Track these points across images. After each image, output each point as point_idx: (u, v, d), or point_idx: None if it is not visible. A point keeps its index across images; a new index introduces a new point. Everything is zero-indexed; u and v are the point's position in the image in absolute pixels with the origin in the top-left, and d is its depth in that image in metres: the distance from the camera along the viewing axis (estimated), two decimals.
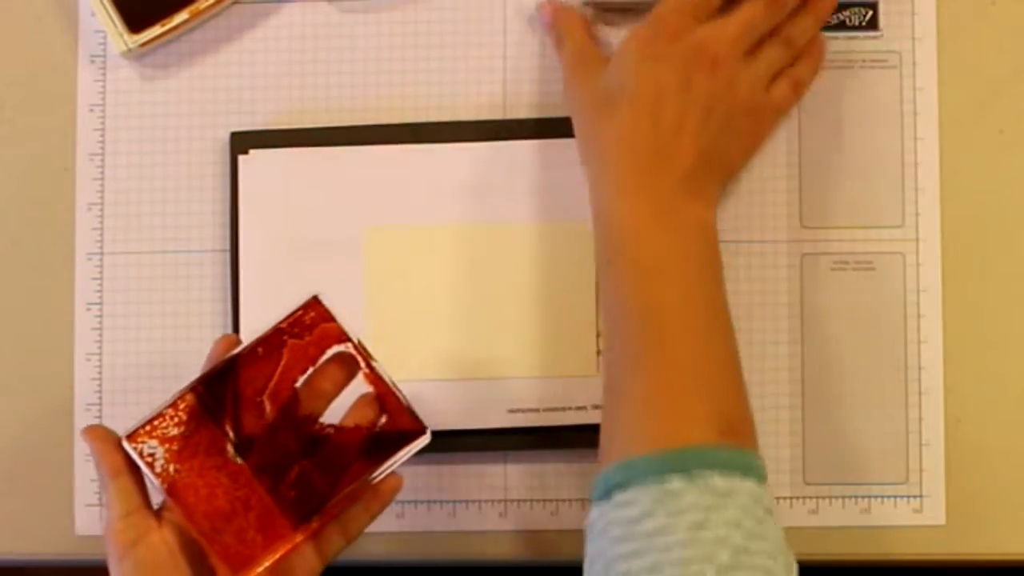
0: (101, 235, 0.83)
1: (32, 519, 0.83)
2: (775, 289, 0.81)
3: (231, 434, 0.72)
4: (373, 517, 0.74)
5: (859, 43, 0.83)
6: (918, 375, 0.81)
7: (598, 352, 0.80)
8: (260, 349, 0.72)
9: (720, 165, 0.75)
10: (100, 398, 0.83)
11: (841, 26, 0.83)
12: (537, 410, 0.80)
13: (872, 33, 0.83)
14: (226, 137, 0.83)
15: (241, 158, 0.82)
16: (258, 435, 0.72)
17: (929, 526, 0.81)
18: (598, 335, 0.80)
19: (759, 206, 0.82)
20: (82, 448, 0.83)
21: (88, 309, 0.83)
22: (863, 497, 0.81)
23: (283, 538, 0.71)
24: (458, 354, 0.80)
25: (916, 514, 0.81)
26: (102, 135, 0.84)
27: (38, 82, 0.84)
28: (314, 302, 0.73)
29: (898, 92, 0.82)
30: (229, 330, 0.82)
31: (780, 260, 0.82)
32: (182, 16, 0.82)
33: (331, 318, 0.73)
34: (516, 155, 0.81)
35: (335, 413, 0.74)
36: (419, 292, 0.81)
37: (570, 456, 0.81)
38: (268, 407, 0.72)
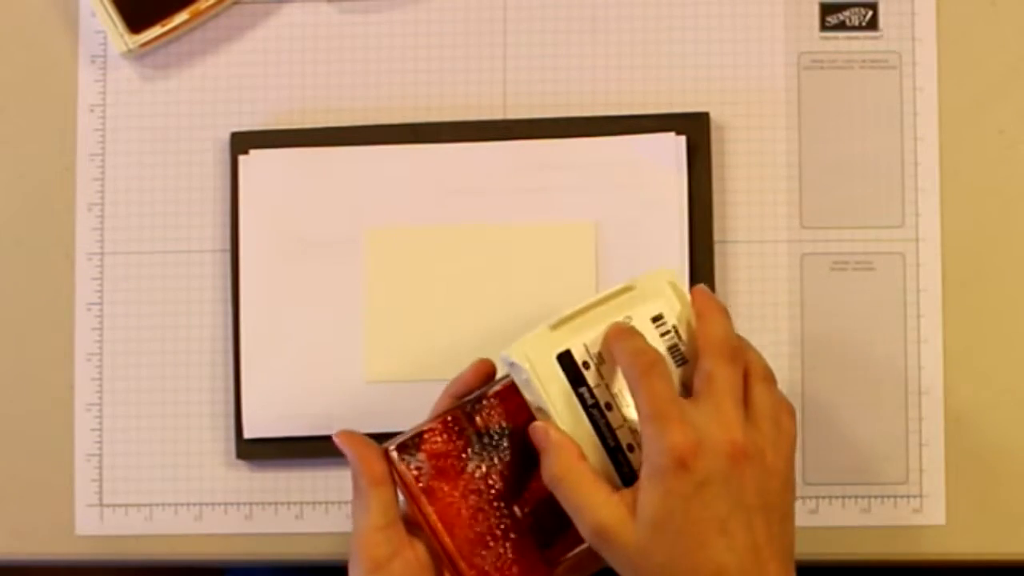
0: (101, 235, 0.83)
1: (32, 519, 0.83)
2: (775, 289, 0.81)
3: (492, 459, 0.69)
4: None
5: (859, 43, 0.83)
6: (918, 375, 0.81)
7: None
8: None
9: (791, 533, 0.68)
10: (100, 398, 0.83)
11: (841, 26, 0.83)
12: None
13: (872, 33, 0.83)
14: (226, 137, 0.83)
15: (241, 158, 0.82)
16: (512, 460, 0.69)
17: (929, 526, 0.81)
18: None
19: (759, 206, 0.82)
20: (82, 448, 0.83)
21: (88, 309, 0.83)
22: (863, 497, 0.81)
23: (536, 569, 0.69)
24: (458, 354, 0.80)
25: (916, 514, 0.81)
26: (102, 135, 0.84)
27: (38, 82, 0.84)
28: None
29: (898, 92, 0.82)
30: (229, 330, 0.82)
31: (780, 260, 0.82)
32: (182, 16, 0.82)
33: None
34: (516, 155, 0.82)
35: None
36: (419, 292, 0.81)
37: None
38: (526, 432, 0.69)
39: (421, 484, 0.68)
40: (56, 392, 0.83)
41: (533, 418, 0.68)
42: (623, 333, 0.67)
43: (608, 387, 0.67)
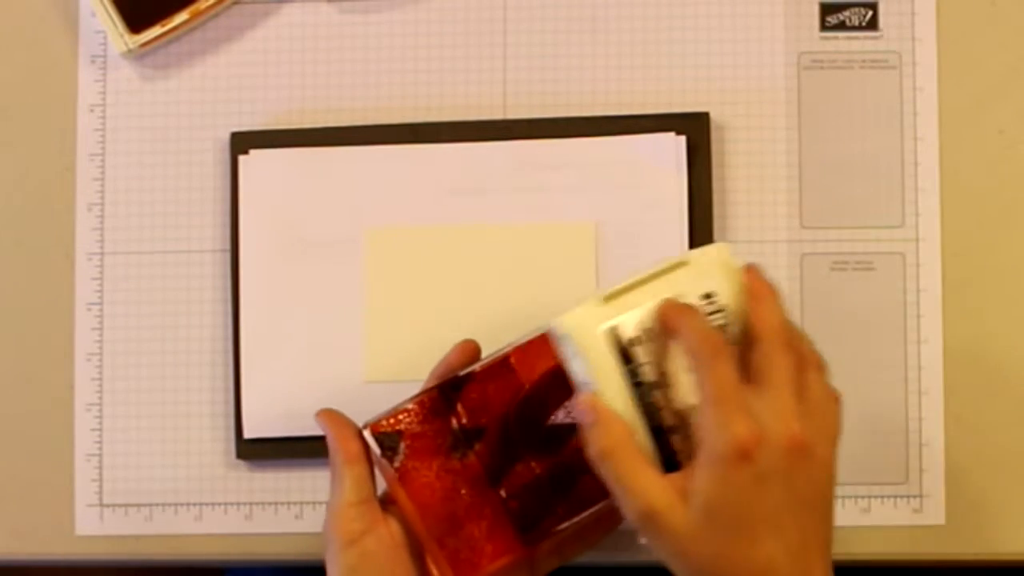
0: (101, 235, 0.84)
1: (32, 519, 0.83)
2: None
3: (470, 441, 0.70)
4: (591, 545, 0.72)
5: (859, 43, 0.83)
6: (918, 375, 0.81)
7: None
8: (512, 359, 0.70)
9: (832, 529, 0.67)
10: (100, 398, 0.83)
11: (841, 26, 0.83)
12: None
13: (872, 33, 0.83)
14: (226, 137, 0.83)
15: (241, 158, 0.82)
16: (492, 443, 0.70)
17: (929, 526, 0.81)
18: None
19: (759, 206, 0.82)
20: (82, 448, 0.83)
21: (88, 309, 0.83)
22: (863, 497, 0.81)
23: (511, 550, 0.69)
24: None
25: (916, 514, 0.81)
26: (102, 135, 0.84)
27: (38, 82, 0.84)
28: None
29: (898, 92, 0.82)
30: (229, 330, 0.82)
31: (780, 260, 0.82)
32: (182, 16, 0.82)
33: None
34: (516, 155, 0.82)
35: None
36: (419, 292, 0.81)
37: None
38: (509, 418, 0.70)
39: (395, 464, 0.69)
40: (56, 392, 0.83)
41: (517, 398, 0.67)
42: (687, 312, 0.65)
43: (657, 365, 0.65)
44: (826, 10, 0.83)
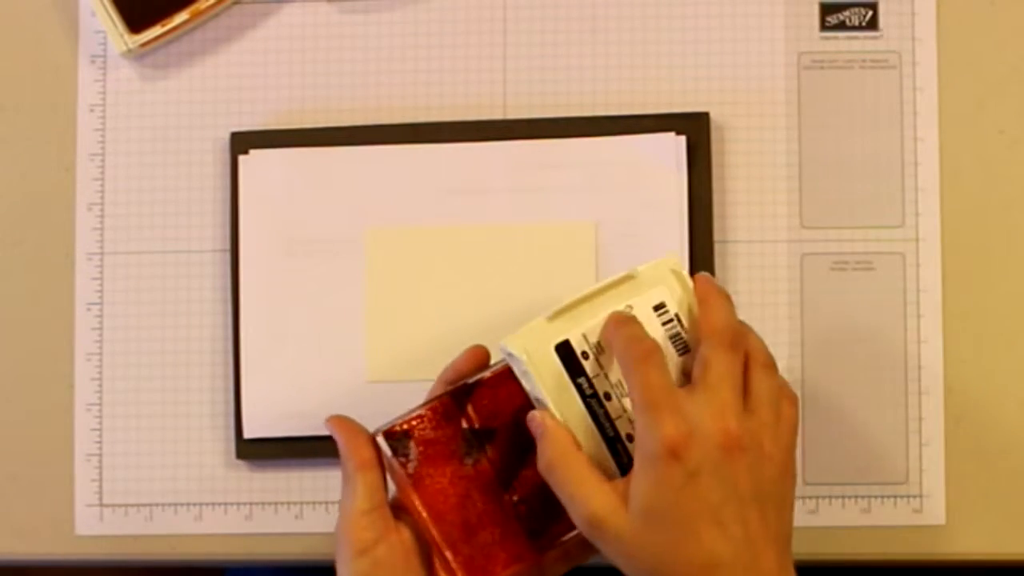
0: (101, 235, 0.84)
1: (32, 519, 0.83)
2: (775, 289, 0.81)
3: (482, 447, 0.70)
4: (597, 550, 0.72)
5: (859, 43, 0.83)
6: (918, 375, 0.81)
7: None
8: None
9: (789, 522, 0.68)
10: (100, 398, 0.83)
11: (841, 26, 0.83)
12: None
13: (872, 33, 0.83)
14: (226, 137, 0.83)
15: (241, 158, 0.82)
16: (504, 448, 0.70)
17: (929, 526, 0.81)
18: None
19: (759, 206, 0.82)
20: (82, 448, 0.83)
21: (88, 309, 0.83)
22: (863, 497, 0.81)
23: (523, 556, 0.69)
24: (458, 353, 0.80)
25: (916, 514, 0.81)
26: (102, 135, 0.84)
27: (38, 82, 0.84)
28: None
29: (898, 92, 0.82)
30: (229, 330, 0.82)
31: (780, 260, 0.82)
32: (182, 16, 0.82)
33: None
34: (516, 155, 0.82)
35: None
36: (419, 292, 0.81)
37: None
38: (517, 420, 0.69)
39: (408, 470, 0.69)
40: (56, 392, 0.83)
41: (527, 404, 0.68)
42: (620, 322, 0.67)
43: (607, 376, 0.67)
44: (826, 10, 0.83)
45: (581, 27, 0.83)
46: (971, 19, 0.82)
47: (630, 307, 0.67)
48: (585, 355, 0.67)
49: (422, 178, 0.82)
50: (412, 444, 0.69)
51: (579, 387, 0.66)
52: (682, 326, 0.68)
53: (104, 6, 0.82)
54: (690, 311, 0.68)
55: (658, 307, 0.68)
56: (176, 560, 0.83)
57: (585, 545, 0.70)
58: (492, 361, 0.73)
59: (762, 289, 0.81)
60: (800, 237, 0.82)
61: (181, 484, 0.82)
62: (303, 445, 0.81)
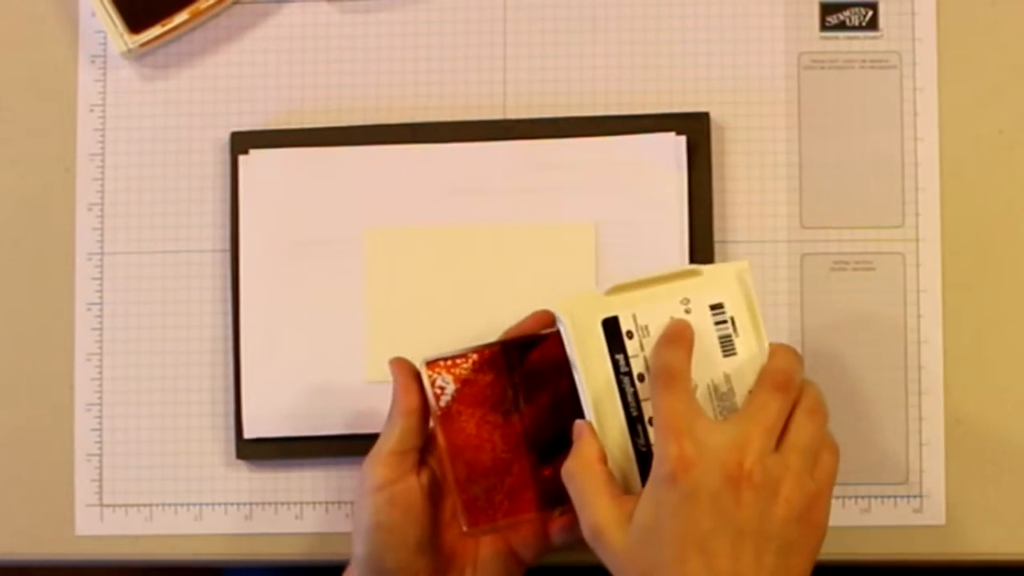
0: (101, 235, 0.84)
1: (32, 519, 0.83)
2: (775, 289, 0.81)
3: (518, 401, 0.72)
4: None
5: (859, 43, 0.83)
6: (918, 375, 0.81)
7: None
8: None
9: (795, 569, 0.67)
10: (100, 398, 0.83)
11: (841, 26, 0.83)
12: None
13: (872, 33, 0.83)
14: (226, 137, 0.83)
15: (241, 158, 0.82)
16: (541, 411, 0.73)
17: (929, 526, 0.81)
18: None
19: (759, 206, 0.82)
20: (82, 448, 0.83)
21: (88, 309, 0.83)
22: (863, 497, 0.81)
23: (525, 511, 0.72)
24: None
25: (916, 514, 0.81)
26: (102, 135, 0.84)
27: (38, 82, 0.84)
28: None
29: (898, 92, 0.82)
30: (229, 330, 0.82)
31: (780, 260, 0.82)
32: (182, 16, 0.82)
33: None
34: (516, 155, 0.82)
35: None
36: (419, 292, 0.81)
37: None
38: (562, 388, 0.72)
39: (440, 403, 0.72)
40: (56, 392, 0.83)
41: (565, 369, 0.70)
42: (672, 339, 0.68)
43: (646, 359, 0.69)
44: (826, 10, 0.83)
45: (581, 27, 0.83)
46: (971, 19, 0.82)
47: (687, 300, 0.69)
48: (630, 334, 0.69)
49: (422, 178, 0.82)
50: (451, 380, 0.72)
51: (615, 363, 0.69)
52: (735, 331, 0.70)
53: (104, 6, 0.82)
54: (747, 319, 0.70)
55: (715, 307, 0.70)
56: (176, 560, 0.83)
57: None
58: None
59: (762, 289, 0.81)
60: (800, 237, 0.82)
61: (181, 484, 0.82)
62: (303, 445, 0.81)
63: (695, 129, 0.81)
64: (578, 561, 0.77)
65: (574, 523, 0.73)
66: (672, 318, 0.69)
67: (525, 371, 0.73)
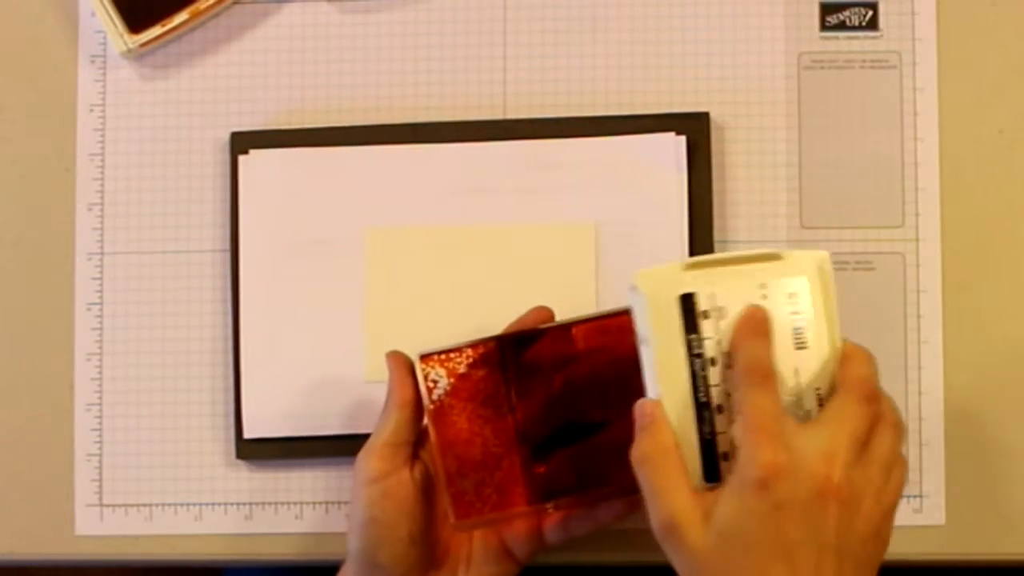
0: (101, 235, 0.84)
1: (32, 519, 0.83)
2: None
3: (511, 396, 0.72)
4: (601, 526, 0.74)
5: (859, 43, 0.83)
6: (918, 375, 0.81)
7: None
8: (574, 331, 0.73)
9: None
10: (100, 398, 0.83)
11: (841, 26, 0.83)
12: None
13: (872, 33, 0.83)
14: (226, 137, 0.83)
15: (241, 158, 0.82)
16: (535, 406, 0.72)
17: (929, 526, 0.81)
18: None
19: (759, 206, 0.82)
20: (82, 448, 0.83)
21: (88, 309, 0.83)
22: None
23: (513, 506, 0.72)
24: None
25: (916, 514, 0.81)
26: (102, 135, 0.84)
27: (38, 82, 0.84)
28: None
29: (898, 92, 0.82)
30: (229, 330, 0.82)
31: None
32: (182, 16, 0.82)
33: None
34: (516, 155, 0.82)
35: None
36: (419, 292, 0.81)
37: None
38: (557, 384, 0.72)
39: (432, 396, 0.72)
40: (56, 392, 0.83)
41: (572, 371, 0.69)
42: (753, 331, 0.66)
43: (720, 343, 0.66)
44: (826, 10, 0.83)
45: (581, 27, 0.83)
46: (971, 19, 0.82)
47: (764, 286, 0.67)
48: (706, 314, 0.66)
49: (422, 178, 0.82)
50: (445, 374, 0.72)
51: (689, 343, 0.66)
52: (809, 322, 0.67)
53: (104, 6, 0.82)
54: (822, 311, 0.67)
55: (791, 295, 0.67)
56: (176, 560, 0.83)
57: (585, 521, 0.71)
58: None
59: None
60: (800, 237, 0.82)
61: (181, 484, 0.82)
62: (303, 445, 0.81)
63: (695, 129, 0.81)
64: (576, 561, 0.77)
65: (568, 521, 0.73)
66: (750, 304, 0.66)
67: (520, 367, 0.73)
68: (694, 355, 0.66)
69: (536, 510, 0.73)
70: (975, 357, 0.81)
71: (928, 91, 0.82)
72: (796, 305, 0.67)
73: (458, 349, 0.72)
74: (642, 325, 0.66)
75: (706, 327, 0.66)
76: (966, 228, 0.82)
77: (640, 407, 0.66)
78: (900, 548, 0.80)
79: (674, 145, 0.81)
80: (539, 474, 0.72)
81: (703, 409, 0.66)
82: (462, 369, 0.72)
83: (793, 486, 0.62)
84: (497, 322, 0.78)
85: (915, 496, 0.81)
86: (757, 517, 0.62)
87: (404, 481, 0.72)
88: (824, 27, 0.83)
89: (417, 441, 0.74)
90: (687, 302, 0.66)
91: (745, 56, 0.83)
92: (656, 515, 0.64)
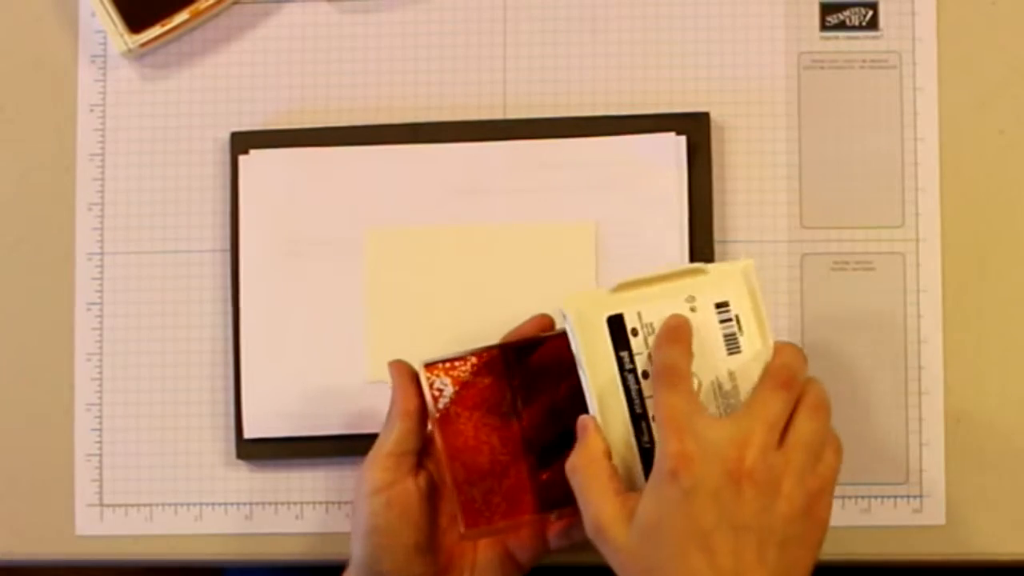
0: (101, 235, 0.84)
1: (32, 519, 0.83)
2: (775, 289, 0.81)
3: (517, 404, 0.73)
4: None
5: (859, 43, 0.83)
6: (918, 375, 0.81)
7: None
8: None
9: (797, 564, 0.67)
10: (100, 398, 0.83)
11: (841, 26, 0.83)
12: None
13: (872, 33, 0.83)
14: (226, 137, 0.83)
15: (241, 158, 0.82)
16: (540, 413, 0.73)
17: (929, 526, 0.81)
18: None
19: (759, 206, 0.82)
20: (82, 448, 0.83)
21: (88, 309, 0.83)
22: (863, 497, 0.81)
23: (522, 514, 0.72)
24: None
25: (916, 514, 0.81)
26: (102, 135, 0.84)
27: (38, 82, 0.84)
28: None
29: (898, 92, 0.82)
30: (229, 330, 0.82)
31: (780, 260, 0.82)
32: (182, 16, 0.82)
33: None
34: (516, 155, 0.82)
35: None
36: (419, 292, 0.81)
37: None
38: (562, 391, 0.73)
39: (438, 405, 0.72)
40: (56, 392, 0.83)
41: (577, 377, 0.70)
42: (668, 337, 0.69)
43: (650, 357, 0.69)
44: (826, 10, 0.83)
45: (581, 27, 0.83)
46: (971, 19, 0.82)
47: (692, 298, 0.70)
48: (635, 332, 0.69)
49: (422, 178, 0.82)
50: (450, 383, 0.72)
51: (620, 359, 0.69)
52: (740, 328, 0.70)
53: (104, 6, 0.82)
54: (752, 316, 0.70)
55: (720, 305, 0.70)
56: (176, 560, 0.83)
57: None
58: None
59: (762, 289, 0.81)
60: (800, 237, 0.82)
61: (181, 484, 0.82)
62: (303, 445, 0.81)
63: (695, 129, 0.81)
64: (577, 562, 0.77)
65: (571, 527, 0.74)
66: (671, 314, 0.69)
67: (524, 374, 0.73)
68: (626, 371, 0.69)
69: (543, 517, 0.73)
70: (975, 357, 0.81)
71: (928, 91, 0.82)
72: (726, 313, 0.70)
73: (462, 357, 0.73)
74: (575, 346, 0.69)
75: (636, 343, 0.69)
76: (966, 228, 0.82)
77: (579, 422, 0.69)
78: (900, 548, 0.81)
79: (674, 145, 0.81)
80: (544, 481, 0.72)
81: (640, 420, 0.69)
82: (467, 377, 0.72)
83: (703, 472, 0.64)
84: (498, 322, 0.78)
85: (915, 496, 0.81)
86: (671, 506, 0.65)
87: (408, 491, 0.72)
88: (824, 27, 0.83)
89: (421, 450, 0.74)
90: (615, 323, 0.69)
91: (745, 56, 0.83)
92: (586, 519, 0.67)
